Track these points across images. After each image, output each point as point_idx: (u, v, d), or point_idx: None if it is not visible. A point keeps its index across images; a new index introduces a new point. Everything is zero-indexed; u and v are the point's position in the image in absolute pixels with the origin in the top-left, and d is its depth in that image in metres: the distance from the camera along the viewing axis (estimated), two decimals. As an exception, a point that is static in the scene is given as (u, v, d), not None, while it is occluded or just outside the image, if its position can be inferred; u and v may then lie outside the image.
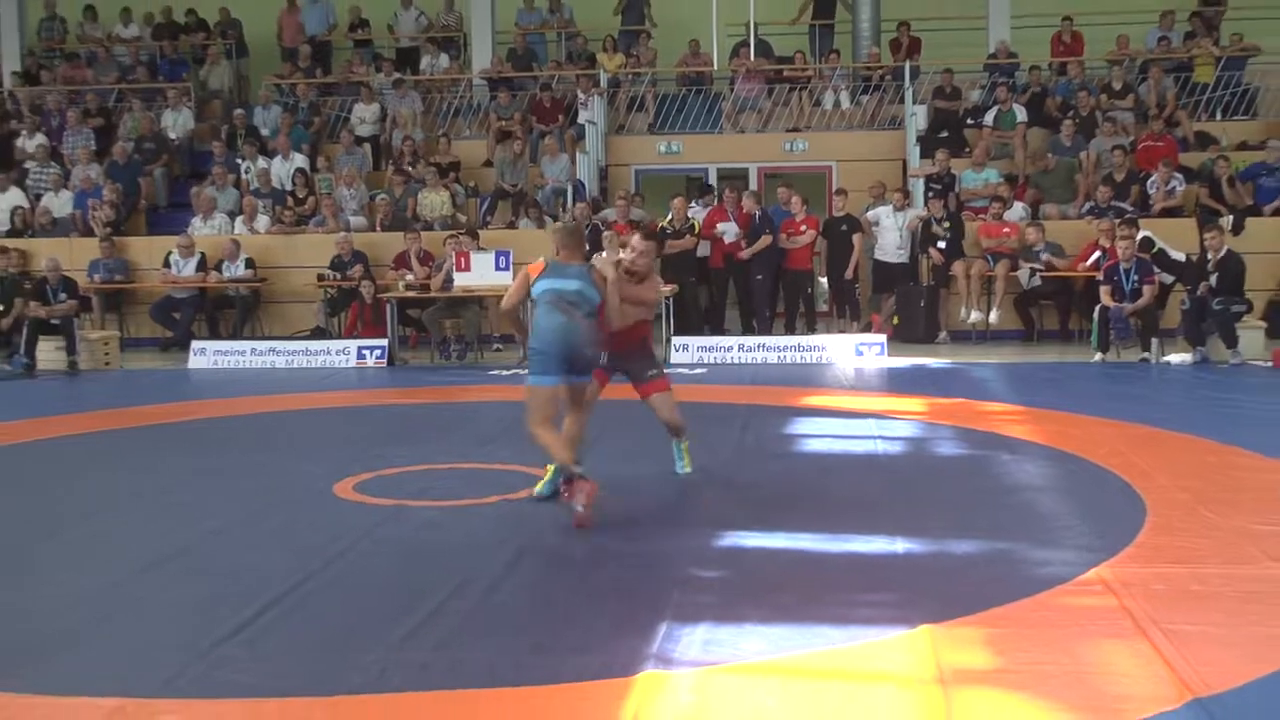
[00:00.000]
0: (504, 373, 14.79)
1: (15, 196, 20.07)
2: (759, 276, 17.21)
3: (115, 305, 18.77)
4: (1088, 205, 17.60)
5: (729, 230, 17.36)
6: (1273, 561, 6.31)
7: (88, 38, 24.93)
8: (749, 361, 15.51)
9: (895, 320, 17.19)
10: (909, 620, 5.48)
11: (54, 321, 16.30)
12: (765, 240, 17.15)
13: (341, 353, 16.14)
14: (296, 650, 5.33)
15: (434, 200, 18.96)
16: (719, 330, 17.33)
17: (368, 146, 21.02)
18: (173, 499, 8.39)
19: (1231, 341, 14.36)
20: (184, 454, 10.14)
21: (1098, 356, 14.84)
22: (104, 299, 18.48)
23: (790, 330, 17.32)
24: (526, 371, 7.89)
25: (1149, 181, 17.78)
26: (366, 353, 16.02)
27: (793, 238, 17.35)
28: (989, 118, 19.61)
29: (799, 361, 15.47)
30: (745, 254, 17.20)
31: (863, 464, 9.22)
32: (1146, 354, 14.78)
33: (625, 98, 21.74)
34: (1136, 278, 14.91)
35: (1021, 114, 19.52)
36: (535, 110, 21.19)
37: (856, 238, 17.32)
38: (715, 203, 18.06)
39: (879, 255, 17.62)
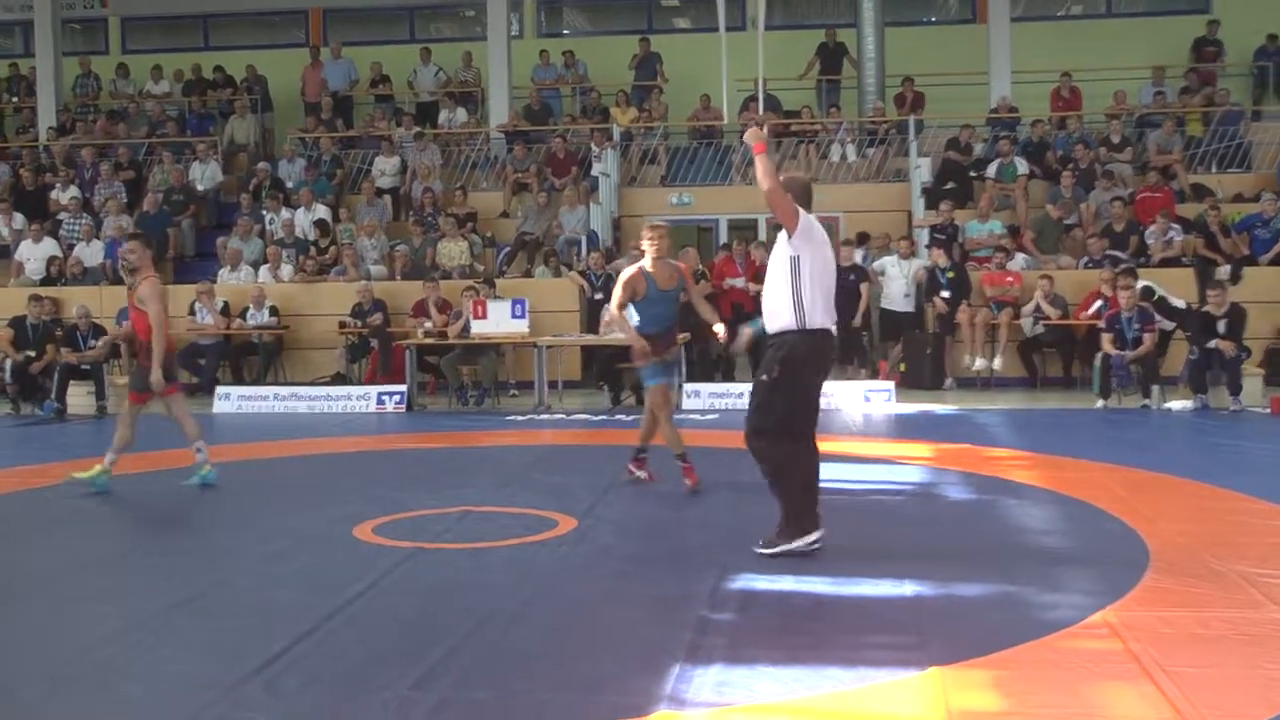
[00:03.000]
0: (520, 418, 14.77)
1: (49, 246, 20.16)
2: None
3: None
4: (1086, 258, 17.57)
5: (736, 280, 17.34)
6: (1275, 605, 6.24)
7: (120, 94, 25.14)
8: (759, 407, 15.45)
9: (902, 367, 17.14)
10: (918, 662, 5.43)
11: (84, 367, 16.37)
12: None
13: (362, 398, 16.13)
14: (316, 689, 5.28)
15: (452, 250, 18.99)
16: (730, 377, 17.28)
17: (388, 198, 21.10)
18: (198, 540, 8.37)
19: (1237, 389, 14.29)
20: (208, 497, 10.11)
21: (1099, 403, 14.78)
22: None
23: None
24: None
25: (1147, 232, 17.75)
26: (386, 398, 16.01)
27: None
28: (991, 170, 19.63)
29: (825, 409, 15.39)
30: (752, 289, 17.09)
31: (871, 508, 9.18)
32: (1147, 400, 14.71)
33: (638, 150, 21.81)
34: (1137, 326, 14.87)
35: (1023, 166, 19.54)
36: (550, 163, 21.25)
37: (864, 287, 17.30)
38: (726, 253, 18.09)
39: (885, 304, 17.60)
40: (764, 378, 7.35)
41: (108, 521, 9.17)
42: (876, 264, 17.67)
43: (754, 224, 20.76)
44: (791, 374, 7.29)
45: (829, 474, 10.58)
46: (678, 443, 9.70)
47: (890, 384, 15.85)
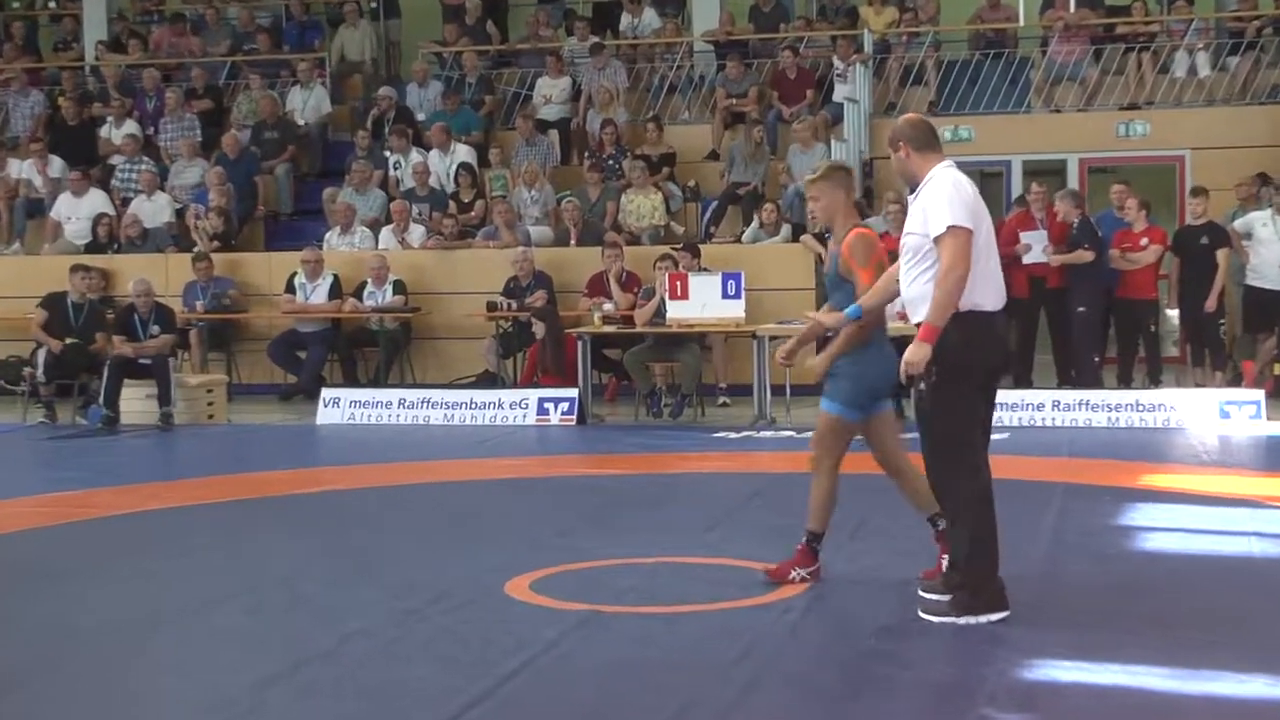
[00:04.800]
0: (733, 435, 14.79)
1: (98, 201, 20.74)
2: (1081, 309, 16.85)
3: (223, 341, 19.32)
4: None
5: (1035, 243, 17.04)
6: None
7: (193, -5, 25.82)
8: (1067, 424, 15.27)
9: (1277, 369, 16.77)
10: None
11: (143, 362, 16.73)
12: (1084, 255, 16.78)
13: (518, 406, 16.35)
14: (457, 800, 5.37)
15: (641, 205, 19.12)
16: (1025, 381, 17.09)
17: (554, 134, 21.30)
18: (298, 594, 8.56)
19: None
20: (312, 536, 10.34)
21: None
22: (208, 333, 19.03)
23: (1125, 382, 16.99)
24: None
25: None
26: (550, 406, 16.20)
27: (1129, 255, 17.01)
28: None
29: (1137, 425, 15.18)
30: (1055, 260, 16.80)
31: (1231, 570, 8.98)
32: None
33: (897, 66, 21.69)
34: None
35: None
36: (777, 84, 21.24)
37: (1221, 255, 16.95)
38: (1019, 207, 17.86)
39: (1253, 279, 17.23)
40: (920, 387, 7.63)
41: (173, 569, 9.41)
42: (1239, 223, 17.31)
43: (1059, 166, 20.48)
44: (949, 374, 7.50)
45: (1165, 519, 10.47)
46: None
47: (1260, 393, 15.53)
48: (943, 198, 7.50)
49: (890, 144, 7.92)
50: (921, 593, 7.73)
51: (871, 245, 8.31)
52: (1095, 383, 16.75)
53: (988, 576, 7.57)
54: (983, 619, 7.46)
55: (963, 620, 7.47)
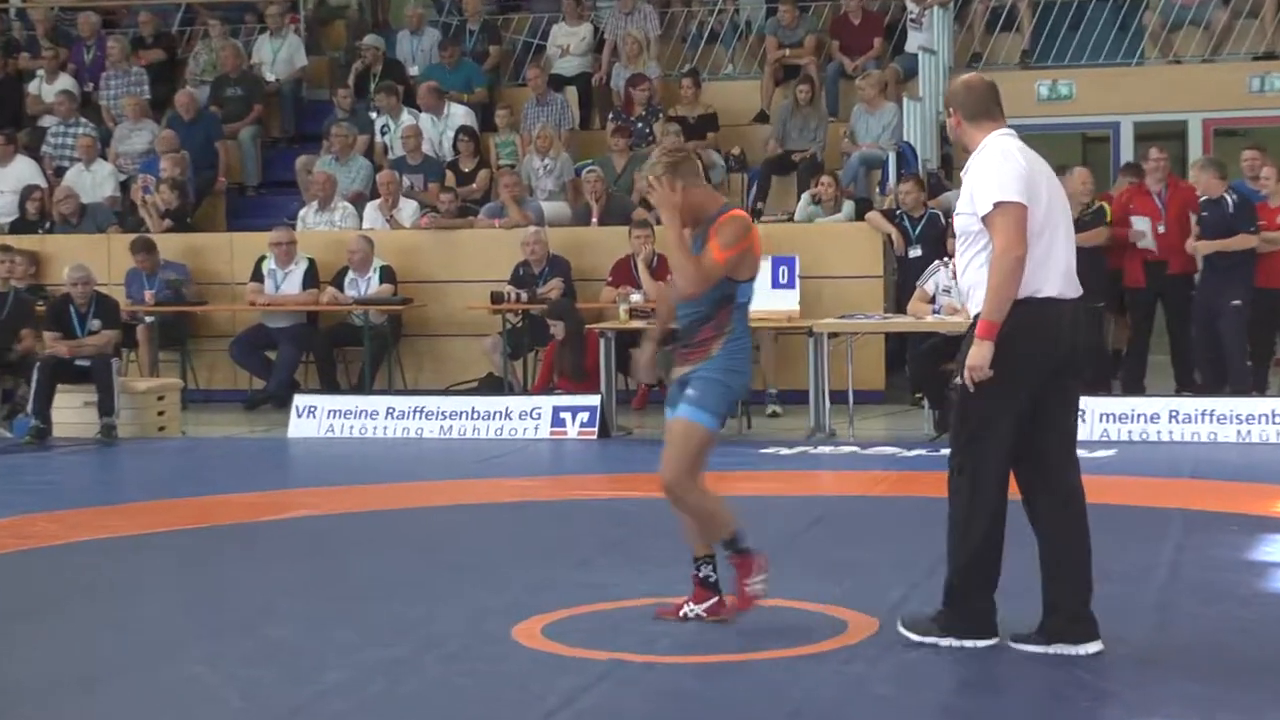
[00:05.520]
0: (785, 451, 14.79)
1: (26, 170, 20.74)
2: (1236, 303, 16.42)
3: (176, 339, 19.33)
4: None
5: (1146, 229, 16.90)
6: None
7: (141, -77, 25.85)
8: (1187, 438, 15.22)
9: None
10: None
11: (80, 363, 16.70)
12: (1248, 240, 16.48)
13: (529, 416, 16.38)
14: None
15: (675, 175, 19.11)
16: (1138, 387, 17.03)
17: (572, 91, 21.29)
18: (266, 640, 8.57)
19: None
20: (282, 570, 10.35)
21: None
22: (159, 329, 19.02)
23: (1259, 388, 16.90)
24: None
25: None
26: (568, 417, 16.23)
27: (1265, 234, 16.90)
28: None
29: (1272, 440, 15.13)
30: (1204, 248, 16.53)
31: None
32: None
33: (983, 9, 21.65)
34: None
35: None
36: (838, 32, 21.23)
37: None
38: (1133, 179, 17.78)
39: None
40: (957, 380, 7.81)
41: (119, 610, 9.44)
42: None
43: (1179, 129, 20.42)
44: (1002, 369, 7.52)
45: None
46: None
47: None
48: (989, 171, 7.57)
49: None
50: (1011, 642, 7.74)
51: (742, 233, 8.30)
52: (1252, 390, 16.56)
53: (975, 596, 7.76)
54: (967, 644, 7.69)
55: (945, 642, 7.70)
